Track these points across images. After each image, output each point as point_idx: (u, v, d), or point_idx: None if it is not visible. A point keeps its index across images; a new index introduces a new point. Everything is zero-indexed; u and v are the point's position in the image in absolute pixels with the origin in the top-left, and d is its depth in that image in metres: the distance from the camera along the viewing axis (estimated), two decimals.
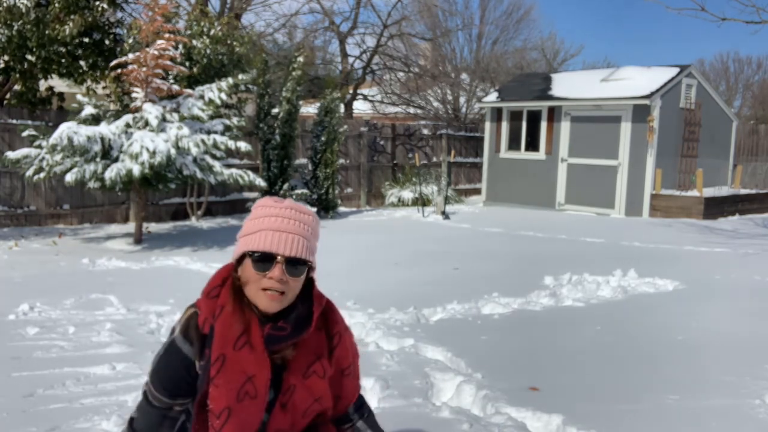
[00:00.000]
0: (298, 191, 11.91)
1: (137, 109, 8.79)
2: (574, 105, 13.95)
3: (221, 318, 1.78)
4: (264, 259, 1.76)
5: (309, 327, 1.84)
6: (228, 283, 1.83)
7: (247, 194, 12.63)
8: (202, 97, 9.07)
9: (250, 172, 9.17)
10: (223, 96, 9.14)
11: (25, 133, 8.62)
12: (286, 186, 11.70)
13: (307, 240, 1.81)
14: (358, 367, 2.02)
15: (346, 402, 2.00)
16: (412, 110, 23.63)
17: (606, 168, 13.52)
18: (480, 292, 6.05)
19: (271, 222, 1.79)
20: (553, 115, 14.28)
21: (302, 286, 1.84)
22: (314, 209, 12.35)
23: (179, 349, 1.81)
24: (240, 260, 1.82)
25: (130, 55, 8.84)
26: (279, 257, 1.75)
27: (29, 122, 10.17)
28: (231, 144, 8.64)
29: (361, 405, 2.08)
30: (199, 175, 8.63)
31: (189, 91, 9.19)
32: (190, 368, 1.80)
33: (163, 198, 11.52)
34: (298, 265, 1.78)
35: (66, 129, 7.76)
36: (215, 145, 8.53)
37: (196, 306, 1.84)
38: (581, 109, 13.92)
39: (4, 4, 9.43)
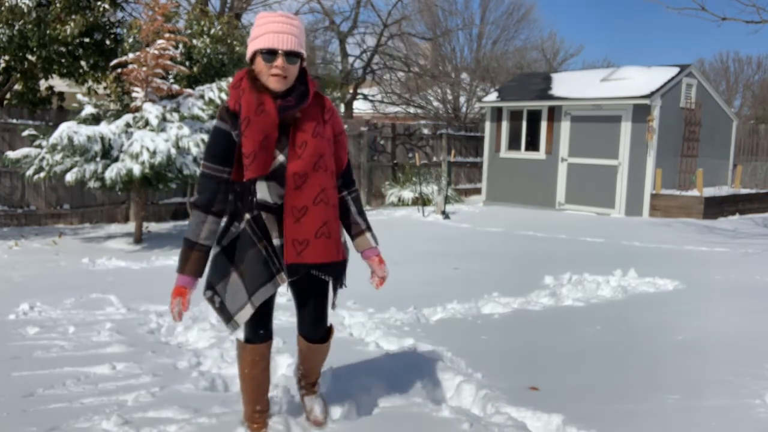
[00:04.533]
0: None
1: (137, 109, 8.79)
2: (574, 105, 13.94)
3: (245, 96, 2.55)
4: (269, 53, 2.52)
5: (308, 99, 2.61)
6: (245, 78, 2.59)
7: None
8: (202, 96, 9.06)
9: None
10: (224, 96, 9.13)
11: (25, 133, 8.63)
12: None
13: (297, 38, 2.55)
14: (346, 138, 2.82)
15: (339, 163, 2.77)
16: (412, 110, 23.62)
17: (606, 168, 13.52)
18: (480, 291, 6.05)
19: (270, 27, 2.52)
20: (553, 114, 14.28)
21: (298, 74, 2.61)
22: None
23: (218, 127, 2.62)
24: (252, 60, 2.58)
25: (131, 55, 8.85)
26: (280, 51, 2.52)
27: (29, 122, 10.17)
28: None
29: (350, 182, 2.84)
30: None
31: (189, 90, 9.19)
32: (229, 137, 2.60)
33: (164, 198, 11.52)
34: (293, 56, 2.55)
35: (66, 129, 7.77)
36: None
37: (225, 102, 2.66)
38: (581, 109, 13.92)
39: (6, 4, 9.43)
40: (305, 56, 2.63)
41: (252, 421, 2.85)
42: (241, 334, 2.81)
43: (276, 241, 2.63)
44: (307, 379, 3.00)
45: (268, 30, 2.52)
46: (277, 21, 2.54)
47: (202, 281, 2.78)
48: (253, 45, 2.56)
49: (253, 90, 2.55)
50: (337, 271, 2.72)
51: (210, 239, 2.64)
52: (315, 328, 2.84)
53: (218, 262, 2.72)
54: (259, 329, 2.76)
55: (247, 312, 2.65)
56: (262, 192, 2.59)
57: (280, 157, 2.58)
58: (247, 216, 2.63)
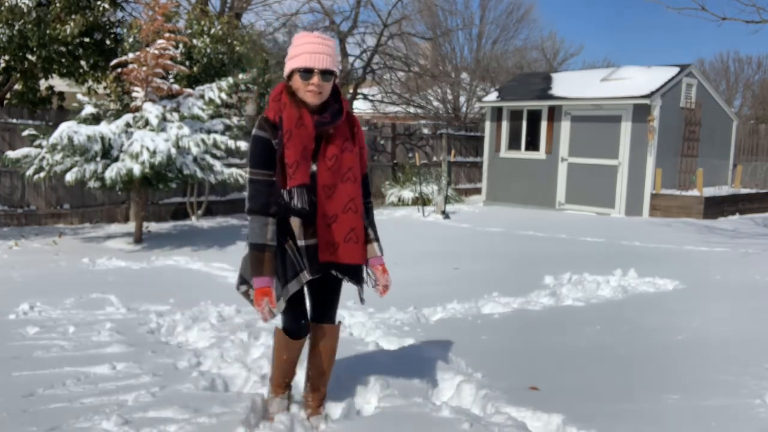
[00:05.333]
0: None
1: (137, 109, 8.79)
2: (574, 105, 13.94)
3: (286, 110, 2.81)
4: (306, 71, 2.78)
5: (342, 116, 2.90)
6: (284, 92, 2.86)
7: (247, 194, 12.62)
8: (202, 96, 9.06)
9: None
10: (224, 95, 9.13)
11: (25, 133, 8.62)
12: None
13: (331, 57, 2.81)
14: (366, 152, 3.06)
15: (362, 170, 3.00)
16: (412, 110, 23.61)
17: (606, 167, 13.52)
18: (480, 291, 6.05)
19: (307, 48, 2.79)
20: (554, 114, 14.28)
21: (332, 91, 2.89)
22: None
23: (260, 136, 2.85)
24: (289, 77, 2.85)
25: (131, 55, 8.85)
26: (316, 69, 2.78)
27: (29, 122, 10.17)
28: (231, 143, 8.64)
29: (366, 193, 3.05)
30: (199, 174, 8.63)
31: (189, 90, 9.18)
32: (270, 144, 2.83)
33: (164, 197, 11.52)
34: (327, 74, 2.81)
35: (66, 128, 7.77)
36: (215, 145, 8.53)
37: (264, 114, 2.89)
38: (581, 109, 13.92)
39: (6, 4, 9.43)
40: (338, 74, 2.90)
41: (279, 387, 3.15)
42: (279, 324, 3.05)
43: (300, 242, 2.86)
44: (315, 393, 3.11)
45: (305, 51, 2.78)
46: (313, 42, 2.80)
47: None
48: (290, 63, 2.83)
49: (293, 105, 2.80)
50: (359, 272, 3.02)
51: (275, 240, 2.83)
52: (328, 315, 3.08)
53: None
54: (301, 319, 3.01)
55: (281, 304, 2.88)
56: (296, 198, 2.83)
57: (313, 167, 2.84)
58: (277, 218, 2.86)
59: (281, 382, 3.16)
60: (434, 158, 16.77)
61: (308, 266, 2.86)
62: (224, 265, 7.49)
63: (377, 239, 3.07)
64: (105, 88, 10.26)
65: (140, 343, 4.32)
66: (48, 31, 9.62)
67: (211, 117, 9.10)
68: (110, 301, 5.53)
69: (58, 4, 9.80)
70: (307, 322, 3.03)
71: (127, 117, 8.53)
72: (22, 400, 3.28)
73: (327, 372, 3.10)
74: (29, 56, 10.11)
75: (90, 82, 11.11)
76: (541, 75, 16.88)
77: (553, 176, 14.31)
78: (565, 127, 14.12)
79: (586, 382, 3.68)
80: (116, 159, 8.24)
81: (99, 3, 10.29)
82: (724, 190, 14.08)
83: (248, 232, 2.85)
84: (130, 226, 10.22)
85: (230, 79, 9.28)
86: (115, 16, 11.10)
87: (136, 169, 7.89)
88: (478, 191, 16.92)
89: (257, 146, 2.84)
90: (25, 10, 9.49)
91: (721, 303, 5.75)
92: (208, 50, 10.69)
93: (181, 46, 9.73)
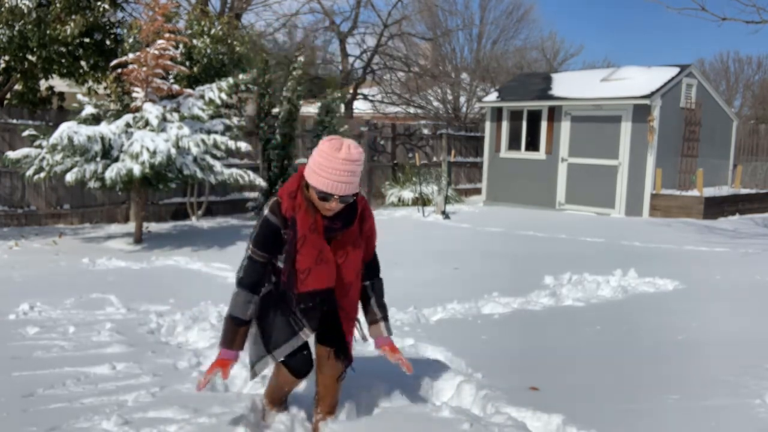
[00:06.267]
0: None
1: (137, 109, 8.79)
2: (574, 105, 13.94)
3: (300, 213, 2.73)
4: (324, 196, 2.67)
5: (352, 225, 2.83)
6: (300, 191, 2.75)
7: (247, 194, 12.63)
8: (202, 96, 9.06)
9: (250, 172, 9.17)
10: (224, 96, 9.13)
11: (25, 133, 8.62)
12: None
13: (354, 183, 2.68)
14: (375, 233, 3.02)
15: (367, 255, 2.97)
16: (412, 110, 23.62)
17: (606, 168, 13.52)
18: (480, 291, 6.05)
19: (329, 173, 2.63)
20: (554, 114, 14.28)
21: None
22: None
23: (270, 221, 2.76)
24: (308, 184, 2.71)
25: (131, 55, 8.84)
26: (335, 195, 2.66)
27: (29, 122, 10.17)
28: (231, 144, 8.64)
29: (376, 272, 3.05)
30: (199, 174, 8.63)
31: (189, 90, 9.18)
32: (278, 233, 2.77)
33: (164, 198, 11.52)
34: (347, 199, 2.71)
35: (66, 129, 7.76)
36: (215, 145, 8.53)
37: (278, 197, 2.78)
38: (581, 109, 13.92)
39: (6, 5, 9.43)
40: (359, 188, 2.81)
41: (273, 403, 3.09)
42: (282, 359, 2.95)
43: (297, 310, 2.86)
44: (324, 405, 3.06)
45: (328, 176, 2.63)
46: (339, 169, 2.62)
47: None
48: (311, 178, 2.68)
49: (309, 210, 2.74)
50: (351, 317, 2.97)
51: (253, 318, 2.86)
52: (335, 365, 3.00)
53: None
54: (308, 363, 2.95)
55: (264, 364, 2.90)
56: (305, 301, 2.83)
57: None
58: (273, 278, 2.88)
59: (278, 401, 3.13)
60: (434, 158, 16.77)
61: (307, 323, 2.87)
62: (224, 265, 7.48)
63: (385, 318, 3.02)
64: (105, 88, 10.26)
65: (140, 343, 4.32)
66: (48, 32, 9.62)
67: (211, 117, 9.10)
68: (110, 301, 5.53)
69: (58, 5, 9.80)
70: (312, 362, 3.00)
71: (127, 117, 8.52)
72: (22, 400, 3.28)
73: (336, 391, 3.05)
74: (29, 56, 10.10)
75: (90, 83, 11.10)
76: (541, 75, 16.88)
77: (553, 176, 14.31)
78: (565, 127, 14.12)
79: (586, 382, 3.68)
80: (116, 159, 8.24)
81: (99, 3, 10.29)
82: (724, 191, 14.08)
83: (231, 301, 2.82)
84: (130, 226, 10.22)
85: (230, 80, 9.28)
86: (115, 17, 11.10)
87: (136, 170, 7.89)
88: (478, 191, 16.92)
89: (266, 229, 2.78)
90: (26, 10, 9.49)
91: (721, 303, 5.75)
92: (208, 50, 10.69)
93: (181, 46, 9.73)
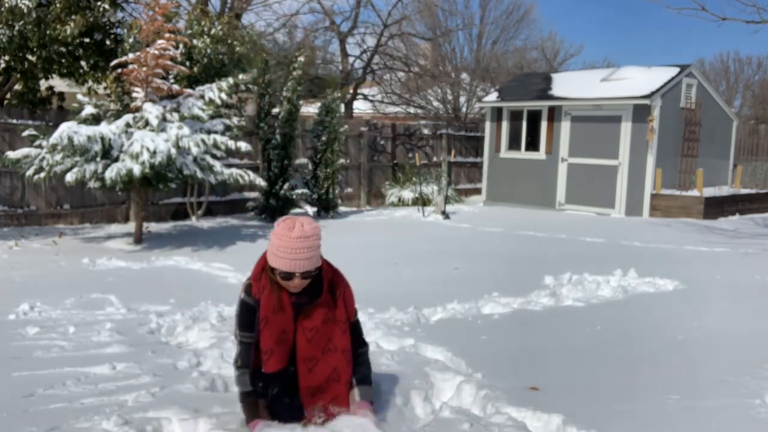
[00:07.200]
0: (299, 191, 11.89)
1: (137, 109, 8.79)
2: (574, 105, 13.94)
3: (264, 294, 2.86)
4: (287, 275, 2.79)
5: (321, 295, 2.89)
6: (264, 273, 2.87)
7: (247, 194, 12.63)
8: (202, 96, 9.06)
9: (250, 172, 9.17)
10: (224, 96, 9.13)
11: (25, 133, 8.62)
12: (286, 186, 11.67)
13: (313, 258, 2.79)
14: (352, 297, 3.05)
15: (348, 321, 2.99)
16: (412, 110, 23.61)
17: (606, 168, 13.52)
18: (480, 291, 6.05)
19: (287, 253, 2.74)
20: (554, 114, 14.28)
21: None
22: (314, 209, 12.35)
23: (246, 302, 2.92)
24: (272, 268, 2.81)
25: (131, 55, 8.84)
26: (297, 273, 2.78)
27: (29, 122, 10.17)
28: (231, 144, 8.64)
29: (359, 342, 3.06)
30: (199, 174, 8.63)
31: (189, 90, 9.18)
32: (254, 312, 2.89)
33: (164, 198, 11.52)
34: (309, 274, 2.82)
35: (66, 129, 7.76)
36: (215, 145, 8.53)
37: (250, 279, 2.92)
38: (581, 109, 13.92)
39: (6, 5, 9.43)
40: (320, 262, 2.87)
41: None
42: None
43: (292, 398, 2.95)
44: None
45: (285, 256, 2.74)
46: (294, 248, 2.73)
47: None
48: (271, 260, 2.80)
49: (272, 290, 2.85)
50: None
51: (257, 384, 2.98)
52: None
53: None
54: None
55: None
56: (271, 382, 2.93)
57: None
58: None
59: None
60: (434, 158, 16.76)
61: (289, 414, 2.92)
62: (224, 265, 7.49)
63: (362, 383, 2.99)
64: (105, 88, 10.26)
65: (140, 344, 4.32)
66: (48, 32, 9.61)
67: (211, 117, 9.10)
68: (110, 302, 5.53)
69: (58, 5, 9.79)
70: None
71: (127, 117, 8.52)
72: (22, 400, 3.28)
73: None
74: (29, 56, 10.10)
75: (90, 83, 11.10)
76: (541, 75, 16.87)
77: (553, 176, 14.31)
78: (565, 127, 14.12)
79: (586, 382, 3.68)
80: (116, 159, 8.24)
81: (99, 3, 10.28)
82: (724, 191, 14.08)
83: (236, 383, 2.96)
84: (130, 227, 10.22)
85: (230, 80, 9.28)
86: (115, 17, 11.09)
87: (136, 170, 7.89)
88: (478, 191, 16.92)
89: (242, 310, 2.93)
90: (25, 10, 9.49)
91: (721, 303, 5.75)
92: (208, 50, 10.69)
93: (181, 46, 9.73)
